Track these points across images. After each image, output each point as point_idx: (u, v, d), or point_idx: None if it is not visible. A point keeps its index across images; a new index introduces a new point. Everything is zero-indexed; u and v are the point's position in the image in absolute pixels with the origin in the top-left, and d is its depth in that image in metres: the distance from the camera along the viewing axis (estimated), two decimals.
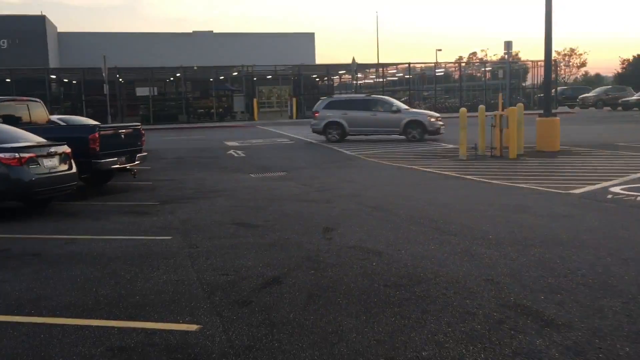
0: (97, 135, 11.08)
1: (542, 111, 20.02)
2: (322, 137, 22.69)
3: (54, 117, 14.98)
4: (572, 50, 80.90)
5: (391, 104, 22.61)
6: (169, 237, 7.30)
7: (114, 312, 4.66)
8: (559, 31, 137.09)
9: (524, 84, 53.37)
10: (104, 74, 19.43)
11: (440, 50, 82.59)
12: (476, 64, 63.53)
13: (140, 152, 12.67)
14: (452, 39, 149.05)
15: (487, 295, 4.74)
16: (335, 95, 26.79)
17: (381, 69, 44.48)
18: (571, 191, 9.86)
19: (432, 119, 21.58)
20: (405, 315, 4.38)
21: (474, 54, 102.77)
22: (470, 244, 6.39)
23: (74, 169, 9.81)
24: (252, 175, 14.11)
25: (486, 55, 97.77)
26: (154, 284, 5.36)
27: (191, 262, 6.08)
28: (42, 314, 4.66)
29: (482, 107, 16.82)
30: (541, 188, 10.31)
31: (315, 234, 7.20)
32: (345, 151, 19.02)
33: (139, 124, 12.81)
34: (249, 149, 20.87)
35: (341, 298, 4.81)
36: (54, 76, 40.39)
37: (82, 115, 36.86)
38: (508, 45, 32.17)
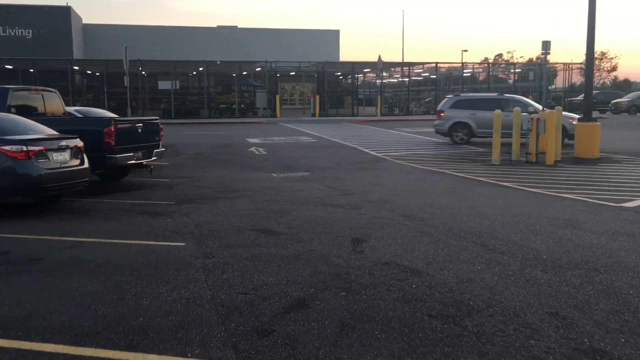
0: (112, 129, 10.48)
1: (575, 115, 19.08)
2: (342, 137, 21.95)
3: (72, 109, 14.46)
4: (603, 54, 78.91)
5: (527, 104, 20.40)
6: (183, 244, 6.62)
7: (112, 338, 3.98)
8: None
9: (551, 87, 51.95)
10: (125, 66, 18.90)
11: (466, 51, 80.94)
12: (502, 65, 62.12)
13: (158, 148, 12.06)
14: (478, 40, 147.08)
15: (555, 335, 3.96)
16: (462, 94, 25.07)
17: (407, 68, 43.49)
18: (623, 204, 8.98)
19: (574, 122, 18.42)
20: (458, 358, 3.63)
21: (500, 55, 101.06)
22: (522, 266, 5.60)
23: (86, 164, 9.20)
24: (274, 175, 13.44)
25: (512, 57, 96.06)
26: (162, 303, 4.67)
27: (205, 276, 5.38)
28: (30, 338, 4.00)
29: (517, 109, 15.92)
30: (589, 199, 9.44)
31: (344, 246, 6.46)
32: (371, 152, 18.25)
33: (157, 118, 12.20)
34: (270, 146, 20.22)
35: (379, 330, 4.07)
36: (76, 67, 40.19)
37: (103, 107, 36.69)
38: (546, 45, 30.49)
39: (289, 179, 12.78)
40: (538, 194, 10.12)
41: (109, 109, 39.12)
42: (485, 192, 10.41)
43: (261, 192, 10.67)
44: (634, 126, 31.42)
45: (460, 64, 45.47)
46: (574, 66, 50.04)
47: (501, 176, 12.46)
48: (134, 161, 11.14)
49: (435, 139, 22.45)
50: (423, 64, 43.32)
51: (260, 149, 19.16)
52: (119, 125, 10.75)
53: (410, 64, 42.31)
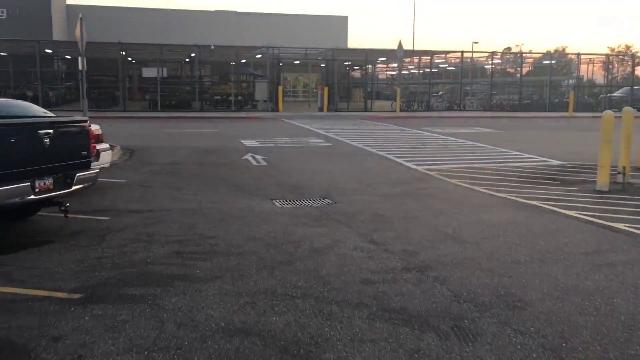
0: None
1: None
2: (362, 139, 17.11)
3: None
4: (627, 47, 73.81)
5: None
6: None
7: None
8: (608, 27, 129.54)
9: (568, 82, 46.64)
10: (79, 45, 14.05)
11: (477, 42, 75.57)
12: (533, 56, 56.21)
13: (86, 169, 7.19)
14: (484, 32, 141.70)
15: None
16: None
17: (428, 58, 38.42)
18: None
19: None
20: None
21: (509, 49, 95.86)
22: None
23: None
24: (277, 204, 8.68)
25: (520, 50, 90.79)
26: None
27: None
28: None
29: (628, 110, 11.04)
30: None
31: None
32: (408, 164, 13.39)
33: (86, 118, 7.37)
34: (272, 152, 15.37)
35: None
36: (49, 51, 35.16)
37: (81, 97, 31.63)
38: None
39: (302, 215, 8.00)
40: None
41: (92, 101, 34.26)
42: None
43: (256, 257, 5.87)
44: None
45: (489, 54, 40.43)
46: (595, 59, 44.94)
47: None
48: (32, 196, 6.29)
49: (481, 145, 17.60)
50: (446, 52, 38.31)
51: (259, 157, 14.31)
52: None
53: (433, 53, 37.25)
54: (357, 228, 7.29)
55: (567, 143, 18.75)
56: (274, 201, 9.03)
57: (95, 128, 9.35)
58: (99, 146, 9.58)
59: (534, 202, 9.03)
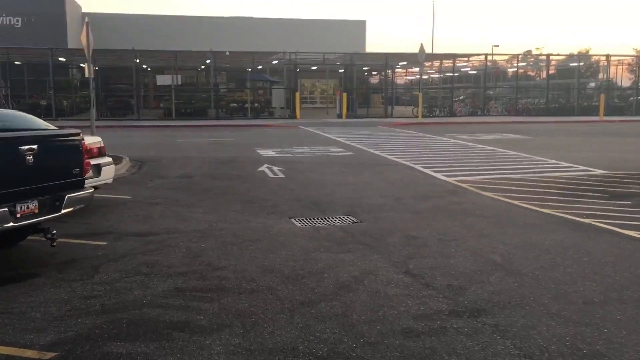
0: None
1: None
2: (384, 147, 16.11)
3: None
4: None
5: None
6: None
7: None
8: (630, 29, 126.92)
9: (591, 84, 44.93)
10: (86, 52, 13.30)
11: (497, 46, 74.30)
12: (560, 59, 54.21)
13: (78, 190, 6.28)
14: (503, 36, 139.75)
15: None
16: None
17: (450, 61, 37.25)
18: None
19: None
20: None
21: (529, 52, 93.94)
22: None
23: None
24: (296, 224, 7.76)
25: (541, 52, 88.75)
26: None
27: None
28: None
29: None
30: None
31: None
32: (437, 175, 12.37)
33: (78, 131, 6.47)
34: (290, 163, 14.41)
35: None
36: (62, 59, 34.68)
37: (96, 107, 31.11)
38: None
39: (324, 237, 7.04)
40: None
41: (107, 110, 33.76)
42: None
43: (272, 295, 4.92)
44: None
45: (509, 56, 39.13)
46: (624, 61, 43.27)
47: None
48: (12, 223, 5.40)
49: (513, 153, 16.48)
50: (469, 55, 37.09)
51: (275, 168, 13.37)
52: None
53: (455, 56, 36.05)
54: (388, 254, 6.30)
55: (605, 149, 17.55)
56: (292, 220, 8.09)
57: (94, 141, 8.49)
58: (101, 160, 8.70)
59: (586, 220, 7.96)
